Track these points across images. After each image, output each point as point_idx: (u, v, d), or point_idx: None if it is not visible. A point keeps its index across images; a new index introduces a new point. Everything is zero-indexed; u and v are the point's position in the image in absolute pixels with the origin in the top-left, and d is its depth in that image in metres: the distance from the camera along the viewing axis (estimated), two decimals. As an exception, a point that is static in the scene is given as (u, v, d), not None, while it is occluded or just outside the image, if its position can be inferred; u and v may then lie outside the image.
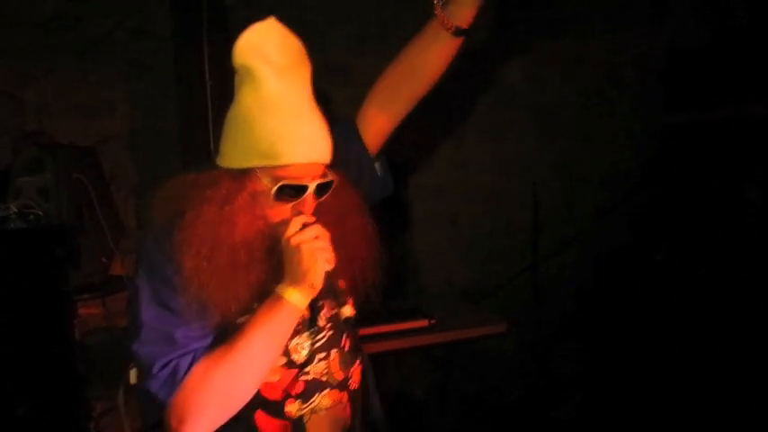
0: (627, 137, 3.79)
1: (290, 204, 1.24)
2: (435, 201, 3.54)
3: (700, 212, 3.21)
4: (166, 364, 1.18)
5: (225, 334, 1.23)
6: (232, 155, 1.23)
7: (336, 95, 3.19)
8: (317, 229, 1.23)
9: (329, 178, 1.27)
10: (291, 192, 1.22)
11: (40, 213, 2.14)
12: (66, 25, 2.93)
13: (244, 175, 1.21)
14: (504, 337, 3.24)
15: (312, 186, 1.23)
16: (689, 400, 2.89)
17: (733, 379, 2.79)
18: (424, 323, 2.54)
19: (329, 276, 1.23)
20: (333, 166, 1.28)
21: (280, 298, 1.21)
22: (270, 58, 1.19)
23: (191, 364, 1.18)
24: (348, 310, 1.28)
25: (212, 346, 1.22)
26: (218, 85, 2.66)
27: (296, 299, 1.21)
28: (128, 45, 3.01)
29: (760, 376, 2.71)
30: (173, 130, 2.91)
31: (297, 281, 1.21)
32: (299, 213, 1.24)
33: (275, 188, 1.20)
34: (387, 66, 1.46)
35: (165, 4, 2.71)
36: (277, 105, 1.19)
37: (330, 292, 1.32)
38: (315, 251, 1.21)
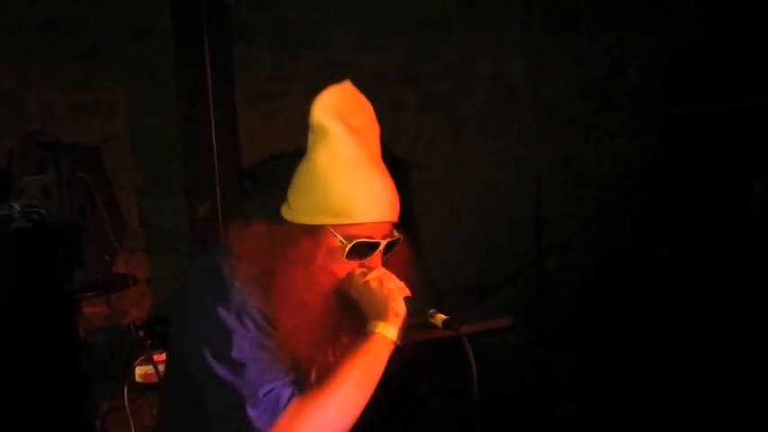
0: (628, 133, 3.79)
1: (360, 260, 1.28)
2: (438, 197, 3.54)
3: (702, 207, 3.20)
4: (270, 392, 1.17)
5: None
6: (304, 211, 1.26)
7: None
8: (380, 270, 1.28)
9: (396, 236, 1.32)
10: (364, 250, 1.26)
11: (43, 212, 2.14)
12: (68, 27, 2.94)
13: (317, 231, 1.24)
14: (506, 334, 3.24)
15: (383, 244, 1.28)
16: (690, 397, 2.89)
17: (733, 376, 2.78)
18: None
19: (410, 301, 1.25)
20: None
21: (370, 333, 1.22)
22: (346, 118, 1.25)
23: (291, 397, 1.17)
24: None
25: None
26: (219, 81, 2.67)
27: (385, 330, 1.22)
28: (129, 46, 3.03)
29: (760, 374, 2.70)
30: (174, 129, 2.92)
31: (380, 314, 1.23)
32: (366, 267, 1.28)
33: (349, 246, 1.23)
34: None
35: (165, 4, 2.71)
36: (351, 164, 1.23)
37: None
38: (385, 282, 1.25)
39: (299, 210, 1.26)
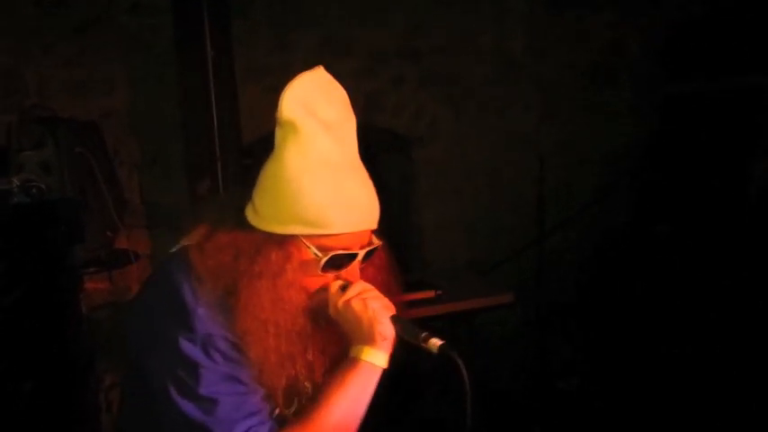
0: (630, 110, 3.76)
1: (336, 272, 1.16)
2: (439, 176, 3.53)
3: (703, 186, 3.19)
4: (247, 430, 1.08)
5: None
6: (273, 218, 1.12)
7: (338, 68, 3.15)
8: (361, 284, 1.16)
9: (375, 244, 1.19)
10: (341, 261, 1.14)
11: (43, 187, 2.13)
12: (65, 2, 2.90)
13: (286, 241, 1.11)
14: (507, 311, 3.24)
15: (361, 254, 1.15)
16: (690, 373, 2.90)
17: (734, 352, 2.79)
18: (430, 294, 2.54)
19: (399, 321, 1.15)
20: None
21: (356, 360, 1.13)
22: (318, 113, 1.11)
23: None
24: None
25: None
26: (219, 57, 2.64)
27: (372, 357, 1.13)
28: (126, 20, 2.99)
29: (761, 352, 2.71)
30: (174, 105, 2.90)
31: (366, 339, 1.13)
32: (340, 279, 1.17)
33: (325, 259, 1.11)
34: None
35: (162, -23, 2.68)
36: (325, 167, 1.09)
37: None
38: (368, 302, 1.13)
39: (266, 216, 1.12)
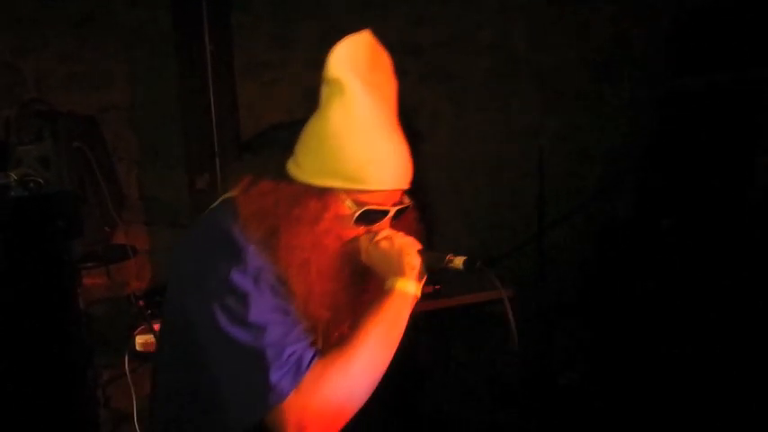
0: (632, 104, 3.74)
1: (367, 226, 1.24)
2: (439, 170, 3.51)
3: (706, 181, 3.17)
4: (293, 353, 1.11)
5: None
6: (314, 171, 1.19)
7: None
8: (387, 230, 1.25)
9: (406, 203, 1.28)
10: (373, 216, 1.22)
11: (41, 181, 2.13)
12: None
13: (325, 194, 1.19)
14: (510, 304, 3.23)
15: (393, 211, 1.24)
16: (692, 368, 2.90)
17: (737, 346, 2.78)
18: (428, 289, 2.53)
19: (425, 252, 1.23)
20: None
21: (389, 290, 1.19)
22: (363, 73, 1.17)
23: (313, 358, 1.12)
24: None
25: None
26: (218, 51, 2.63)
27: (404, 285, 1.19)
28: (125, 15, 2.98)
29: (764, 345, 2.70)
30: (173, 100, 2.89)
31: (397, 271, 1.20)
32: (371, 232, 1.25)
33: (358, 213, 1.19)
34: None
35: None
36: (367, 126, 1.16)
37: None
38: (395, 239, 1.22)
39: (307, 169, 1.20)
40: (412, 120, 3.47)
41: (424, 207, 1.40)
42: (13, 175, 2.12)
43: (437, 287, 2.58)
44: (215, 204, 1.29)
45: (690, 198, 3.23)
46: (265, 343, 1.10)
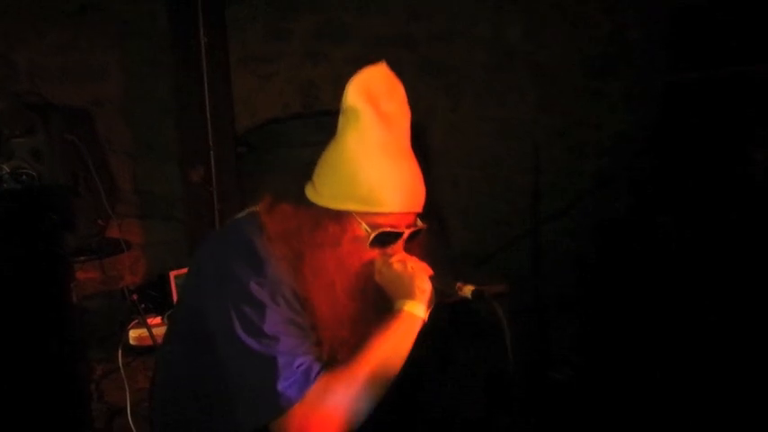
0: (629, 98, 3.74)
1: (382, 249, 1.30)
2: (435, 164, 3.51)
3: (703, 175, 3.17)
4: (302, 364, 1.16)
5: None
6: (330, 195, 1.26)
7: (336, 53, 3.14)
8: (401, 254, 1.32)
9: (420, 226, 1.34)
10: (387, 239, 1.29)
11: (33, 174, 2.11)
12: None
13: (342, 217, 1.26)
14: (502, 301, 3.23)
15: (406, 234, 1.30)
16: (688, 364, 2.91)
17: (734, 343, 2.79)
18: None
19: (435, 278, 1.29)
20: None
21: (399, 312, 1.25)
22: (378, 103, 1.25)
23: (320, 371, 1.17)
24: None
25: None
26: (213, 44, 2.61)
27: (414, 308, 1.25)
28: (119, 6, 2.95)
29: (761, 342, 2.71)
30: (167, 93, 2.86)
31: (407, 293, 1.26)
32: (385, 255, 1.31)
33: (373, 235, 1.26)
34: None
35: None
36: (380, 151, 1.24)
37: None
38: (408, 262, 1.29)
39: (325, 193, 1.27)
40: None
41: (439, 228, 1.46)
42: (6, 168, 2.10)
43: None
44: (241, 215, 1.37)
45: (686, 193, 3.23)
46: (277, 352, 1.15)
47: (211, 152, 2.70)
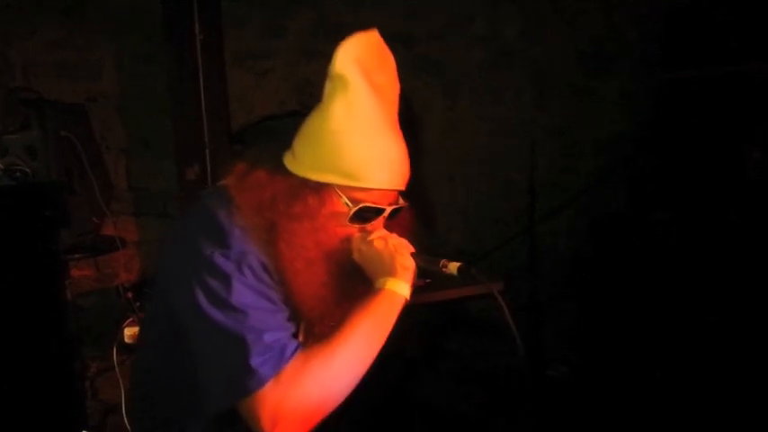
0: (626, 97, 3.74)
1: (361, 225, 1.24)
2: (431, 162, 3.50)
3: (699, 173, 3.18)
4: (276, 340, 1.09)
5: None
6: (312, 165, 1.19)
7: (332, 51, 3.11)
8: (381, 230, 1.26)
9: (401, 204, 1.28)
10: (368, 215, 1.22)
11: (28, 170, 2.10)
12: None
13: (321, 188, 1.19)
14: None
15: (388, 211, 1.24)
16: (684, 362, 2.91)
17: (730, 341, 2.80)
18: (420, 283, 2.52)
19: (418, 255, 1.24)
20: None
21: (380, 290, 1.18)
22: (368, 72, 1.17)
23: (296, 349, 1.09)
24: None
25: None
26: (208, 40, 2.60)
27: (396, 286, 1.18)
28: (115, 2, 2.94)
29: (757, 339, 2.71)
30: (163, 89, 2.85)
31: (390, 271, 1.20)
32: (364, 231, 1.25)
33: (354, 210, 1.20)
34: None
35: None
36: (367, 125, 1.17)
37: None
38: (389, 239, 1.23)
39: (305, 163, 1.20)
40: (404, 114, 3.48)
41: (424, 208, 1.41)
42: (0, 165, 2.09)
43: (427, 280, 2.57)
44: (206, 191, 1.28)
45: (682, 191, 3.24)
46: (246, 326, 1.08)
47: (207, 149, 2.68)
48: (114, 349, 2.23)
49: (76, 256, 2.43)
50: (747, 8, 3.00)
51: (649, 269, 3.17)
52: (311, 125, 1.21)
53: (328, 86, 1.19)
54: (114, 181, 2.93)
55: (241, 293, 1.10)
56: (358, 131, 1.16)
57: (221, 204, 1.17)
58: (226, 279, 1.10)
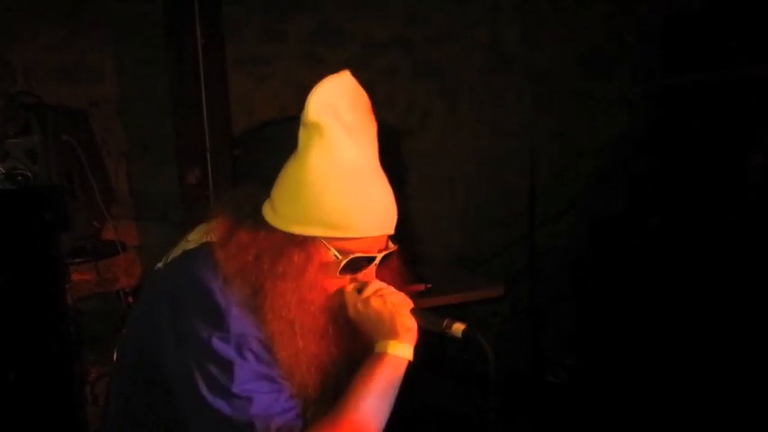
0: (626, 101, 3.75)
1: (353, 275, 1.19)
2: (431, 166, 3.51)
3: (699, 178, 3.18)
4: (283, 425, 1.07)
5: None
6: (294, 219, 1.13)
7: (332, 57, 3.13)
8: (376, 283, 1.19)
9: (392, 248, 1.22)
10: (359, 264, 1.17)
11: (29, 175, 2.10)
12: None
13: (307, 242, 1.13)
14: (499, 303, 3.24)
15: (379, 258, 1.18)
16: (683, 366, 2.91)
17: (728, 344, 2.80)
18: (420, 287, 2.53)
19: (419, 313, 1.17)
20: None
21: (382, 355, 1.13)
22: (343, 116, 1.12)
23: (303, 429, 1.08)
24: None
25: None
26: (209, 45, 2.60)
27: (398, 350, 1.13)
28: (116, 6, 2.94)
29: (755, 343, 2.71)
30: (164, 94, 2.85)
31: (390, 333, 1.14)
32: (356, 281, 1.20)
33: (344, 262, 1.14)
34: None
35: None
36: (348, 171, 1.11)
37: None
38: (387, 297, 1.16)
39: (287, 216, 1.14)
40: (404, 118, 3.48)
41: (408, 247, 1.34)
42: (0, 169, 2.09)
43: (428, 285, 2.58)
44: (192, 248, 1.21)
45: (682, 195, 3.24)
46: (251, 415, 1.05)
47: (208, 154, 2.69)
48: (115, 354, 2.22)
49: (77, 260, 2.43)
50: (747, 12, 3.01)
51: (649, 272, 3.17)
52: (290, 176, 1.15)
53: (303, 135, 1.14)
54: (115, 185, 2.93)
55: (244, 380, 1.07)
56: (338, 179, 1.11)
57: (212, 274, 1.11)
58: (227, 366, 1.06)
